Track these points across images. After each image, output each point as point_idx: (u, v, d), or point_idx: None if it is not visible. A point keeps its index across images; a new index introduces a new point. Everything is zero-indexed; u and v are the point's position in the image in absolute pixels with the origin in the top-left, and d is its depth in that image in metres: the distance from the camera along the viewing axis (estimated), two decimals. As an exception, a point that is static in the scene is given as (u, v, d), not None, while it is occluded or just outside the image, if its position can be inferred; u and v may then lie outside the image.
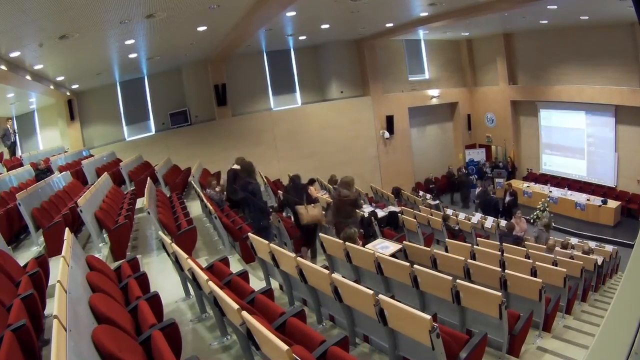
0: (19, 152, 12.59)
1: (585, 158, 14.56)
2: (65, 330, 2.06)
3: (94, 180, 8.98)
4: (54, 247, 4.92)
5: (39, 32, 6.78)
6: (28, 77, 8.97)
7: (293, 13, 9.54)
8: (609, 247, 10.15)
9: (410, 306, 3.35)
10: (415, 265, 4.12)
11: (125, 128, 14.33)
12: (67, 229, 4.24)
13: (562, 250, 8.06)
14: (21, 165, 9.70)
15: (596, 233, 12.04)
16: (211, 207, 6.40)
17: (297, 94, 15.91)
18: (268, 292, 3.76)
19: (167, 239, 4.57)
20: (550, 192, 14.02)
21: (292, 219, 6.50)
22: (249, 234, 4.86)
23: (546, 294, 4.34)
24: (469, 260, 4.87)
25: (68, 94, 12.82)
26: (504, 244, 6.95)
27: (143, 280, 3.84)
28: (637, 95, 12.13)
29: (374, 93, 15.96)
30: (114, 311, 2.73)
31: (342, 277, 4.12)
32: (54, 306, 2.24)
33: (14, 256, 4.70)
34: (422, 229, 8.35)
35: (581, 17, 11.73)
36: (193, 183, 9.29)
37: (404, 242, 5.75)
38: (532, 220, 12.59)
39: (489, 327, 3.46)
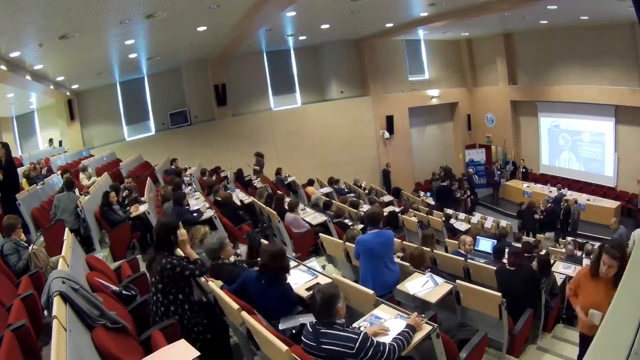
0: (19, 152, 12.60)
1: (585, 158, 14.56)
2: (65, 330, 2.06)
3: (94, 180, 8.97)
4: (54, 247, 4.92)
5: (39, 32, 6.78)
6: (28, 77, 8.97)
7: (293, 13, 9.54)
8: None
9: (410, 306, 3.35)
10: (415, 265, 4.13)
11: (125, 128, 14.33)
12: (67, 229, 4.24)
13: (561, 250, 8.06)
14: (21, 165, 9.70)
15: (596, 233, 12.03)
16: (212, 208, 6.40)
17: (297, 94, 15.90)
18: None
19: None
20: (550, 192, 14.01)
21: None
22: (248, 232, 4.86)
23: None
24: (469, 261, 4.88)
25: (68, 94, 12.82)
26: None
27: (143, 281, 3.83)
28: (637, 95, 12.13)
29: (373, 93, 15.96)
30: (114, 311, 2.72)
31: (342, 276, 4.13)
32: (54, 306, 2.24)
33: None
34: (422, 229, 8.35)
35: (581, 17, 11.72)
36: (193, 183, 9.28)
37: (404, 242, 5.76)
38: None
39: (489, 327, 3.46)
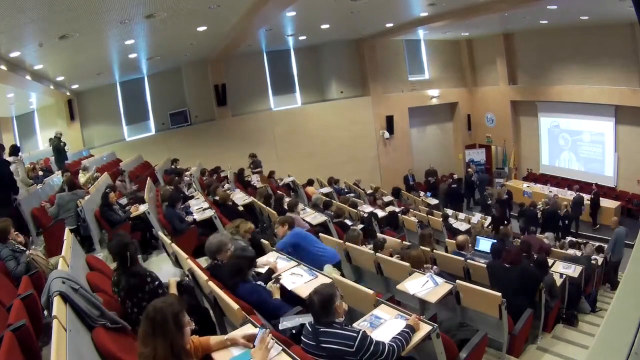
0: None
1: (585, 158, 14.56)
2: (65, 330, 2.06)
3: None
4: (54, 247, 4.92)
5: (39, 32, 6.79)
6: (28, 77, 8.97)
7: (293, 13, 9.54)
8: (609, 247, 10.12)
9: (410, 307, 3.35)
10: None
11: (125, 128, 14.34)
12: (67, 229, 4.25)
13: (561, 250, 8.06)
14: (21, 165, 9.68)
15: (596, 233, 12.03)
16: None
17: (297, 94, 15.90)
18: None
19: (167, 239, 4.56)
20: (550, 192, 14.01)
21: None
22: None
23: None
24: (469, 261, 4.87)
25: (68, 94, 12.82)
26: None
27: (143, 281, 3.82)
28: (637, 95, 12.13)
29: (373, 93, 15.96)
30: (114, 311, 2.72)
31: (342, 276, 4.13)
32: (54, 306, 2.24)
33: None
34: (421, 229, 8.33)
35: (581, 17, 11.72)
36: (193, 183, 9.27)
37: (404, 242, 5.76)
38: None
39: (489, 327, 3.46)
